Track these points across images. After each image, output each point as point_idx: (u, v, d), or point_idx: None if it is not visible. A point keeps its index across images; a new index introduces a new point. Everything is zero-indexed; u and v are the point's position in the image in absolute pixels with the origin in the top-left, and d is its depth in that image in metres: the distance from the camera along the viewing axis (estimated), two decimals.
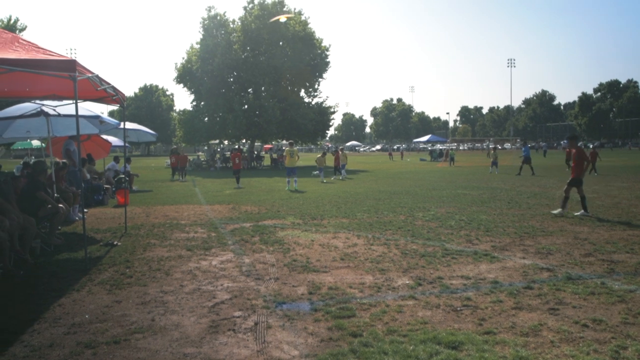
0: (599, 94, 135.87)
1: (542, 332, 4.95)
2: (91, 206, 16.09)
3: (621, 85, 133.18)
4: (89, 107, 14.00)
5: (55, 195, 11.01)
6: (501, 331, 4.98)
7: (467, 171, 31.25)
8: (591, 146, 35.69)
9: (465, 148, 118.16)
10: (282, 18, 49.07)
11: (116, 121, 17.87)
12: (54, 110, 12.37)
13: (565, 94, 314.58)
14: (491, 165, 32.95)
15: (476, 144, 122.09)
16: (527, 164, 30.99)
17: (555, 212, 13.14)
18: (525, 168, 30.68)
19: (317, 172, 28.27)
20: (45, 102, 12.00)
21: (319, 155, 28.80)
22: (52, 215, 9.64)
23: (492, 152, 34.53)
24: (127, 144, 18.10)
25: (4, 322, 5.52)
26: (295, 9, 53.16)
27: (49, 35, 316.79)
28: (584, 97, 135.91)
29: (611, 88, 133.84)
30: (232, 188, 23.09)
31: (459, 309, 5.69)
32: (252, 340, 4.88)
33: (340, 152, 30.57)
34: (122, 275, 7.39)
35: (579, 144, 27.50)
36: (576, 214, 12.71)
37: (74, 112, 11.36)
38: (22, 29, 47.38)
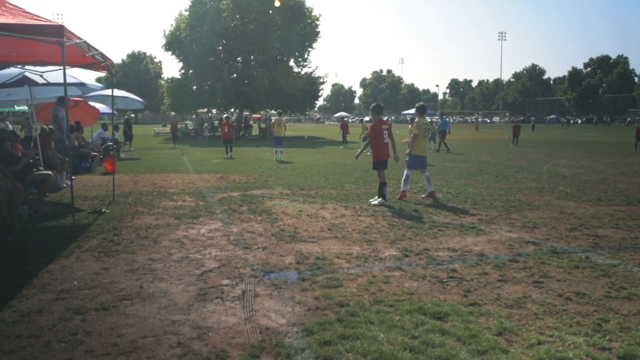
0: (588, 69, 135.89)
1: (527, 304, 5.03)
2: (78, 173, 15.98)
3: (611, 61, 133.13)
4: (74, 75, 13.77)
5: (40, 168, 10.90)
6: (486, 303, 5.05)
7: (454, 144, 31.27)
8: None
9: (453, 121, 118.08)
10: (277, 2, 48.59)
11: (100, 85, 17.66)
12: (41, 76, 12.15)
13: (555, 69, 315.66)
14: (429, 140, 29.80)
15: (465, 117, 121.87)
16: (442, 139, 28.32)
17: (374, 202, 10.84)
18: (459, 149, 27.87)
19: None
20: (30, 67, 11.78)
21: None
22: (40, 182, 9.57)
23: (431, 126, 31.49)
24: (115, 112, 17.90)
25: None
26: None
27: None
28: (574, 72, 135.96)
29: (601, 63, 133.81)
30: (222, 158, 22.99)
31: (444, 280, 5.76)
32: (240, 308, 4.92)
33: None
34: (110, 242, 7.39)
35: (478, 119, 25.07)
36: (373, 202, 10.82)
37: (59, 79, 11.22)
38: None
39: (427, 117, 19.59)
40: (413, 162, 11.75)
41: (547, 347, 4.03)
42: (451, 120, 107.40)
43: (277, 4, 49.15)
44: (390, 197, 11.17)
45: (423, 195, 11.62)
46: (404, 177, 11.62)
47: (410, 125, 19.74)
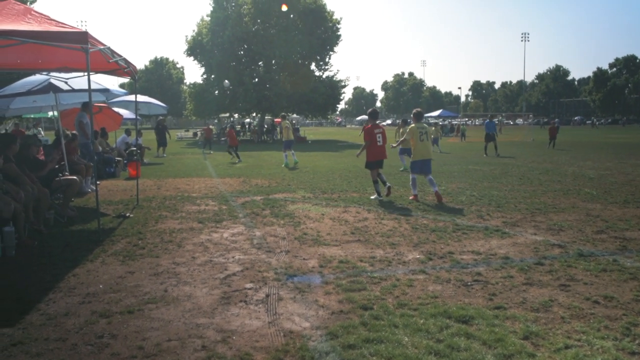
0: (614, 69, 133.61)
1: (553, 307, 4.95)
2: (103, 178, 16.19)
3: (638, 61, 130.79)
4: (98, 81, 13.97)
5: (66, 174, 11.06)
6: (512, 306, 4.99)
7: (478, 147, 31.00)
8: None
9: (477, 123, 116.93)
10: (284, 7, 49.03)
11: (124, 91, 17.89)
12: (66, 83, 12.34)
13: (579, 69, 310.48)
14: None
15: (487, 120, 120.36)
16: (491, 142, 25.83)
17: (372, 197, 11.78)
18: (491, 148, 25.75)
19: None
20: (55, 73, 11.98)
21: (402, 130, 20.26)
22: (65, 187, 9.71)
23: (434, 128, 29.64)
24: (138, 117, 18.11)
25: (20, 291, 5.60)
26: None
27: (60, 7, 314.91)
28: (599, 73, 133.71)
29: (627, 63, 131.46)
30: (229, 161, 23.25)
31: (469, 283, 5.70)
32: (264, 311, 4.92)
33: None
34: (134, 246, 7.46)
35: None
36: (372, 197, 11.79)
37: (83, 85, 11.39)
38: (34, 1, 47.40)
39: (443, 119, 19.28)
40: (414, 167, 11.87)
41: (574, 352, 3.96)
42: (477, 123, 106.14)
43: (284, 8, 49.46)
44: (402, 201, 11.15)
45: (411, 197, 11.60)
46: (411, 182, 11.79)
47: (400, 129, 21.67)
